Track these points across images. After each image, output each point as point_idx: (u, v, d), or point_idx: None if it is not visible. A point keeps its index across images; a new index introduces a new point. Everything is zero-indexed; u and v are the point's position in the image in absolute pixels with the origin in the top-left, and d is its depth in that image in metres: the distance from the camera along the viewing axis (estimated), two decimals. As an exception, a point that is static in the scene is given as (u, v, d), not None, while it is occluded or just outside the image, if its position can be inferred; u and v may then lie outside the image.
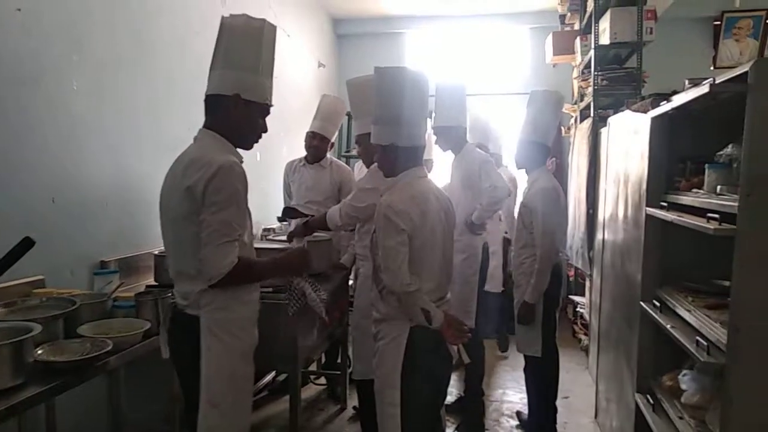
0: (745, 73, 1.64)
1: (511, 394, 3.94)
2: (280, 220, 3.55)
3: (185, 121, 3.37)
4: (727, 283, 1.89)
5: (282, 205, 4.04)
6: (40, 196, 2.37)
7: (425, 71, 2.20)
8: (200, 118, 3.25)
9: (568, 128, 5.63)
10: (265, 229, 4.23)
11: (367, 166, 3.03)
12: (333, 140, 3.78)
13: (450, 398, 3.69)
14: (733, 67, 1.84)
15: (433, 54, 6.51)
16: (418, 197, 2.07)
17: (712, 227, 1.76)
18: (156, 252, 2.85)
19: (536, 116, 3.07)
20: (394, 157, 2.13)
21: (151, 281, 2.82)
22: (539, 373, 3.11)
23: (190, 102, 3.42)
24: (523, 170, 3.22)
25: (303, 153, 3.80)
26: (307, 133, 3.71)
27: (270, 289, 2.71)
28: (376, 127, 2.17)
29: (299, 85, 5.41)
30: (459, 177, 3.31)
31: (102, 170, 2.75)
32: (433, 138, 3.43)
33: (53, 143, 2.45)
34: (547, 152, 3.16)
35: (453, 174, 3.41)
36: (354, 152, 6.29)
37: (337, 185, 3.73)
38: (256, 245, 2.11)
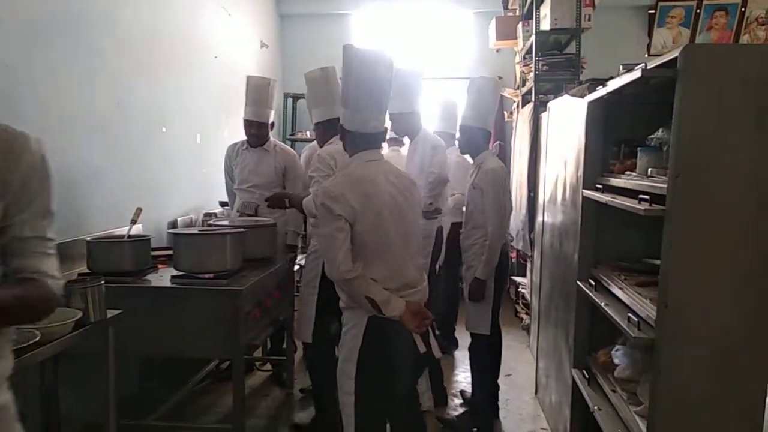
0: (675, 59, 1.70)
1: (457, 374, 4.01)
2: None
3: (112, 98, 3.25)
4: (657, 262, 1.97)
5: (223, 188, 3.95)
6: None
7: (388, 53, 2.09)
8: (127, 94, 3.15)
9: (511, 113, 5.73)
10: (206, 214, 4.14)
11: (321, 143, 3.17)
12: (271, 121, 3.68)
13: None
14: (664, 54, 1.91)
15: (378, 37, 6.47)
16: (363, 180, 2.01)
17: (642, 208, 1.82)
18: (88, 238, 2.73)
19: (476, 102, 3.11)
20: (348, 139, 2.11)
21: (84, 269, 2.70)
22: (485, 351, 3.18)
23: (116, 77, 3.28)
24: (467, 155, 3.28)
25: (244, 136, 3.71)
26: (244, 120, 3.62)
27: (211, 275, 2.66)
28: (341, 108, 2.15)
29: (241, 66, 5.27)
30: (414, 162, 3.37)
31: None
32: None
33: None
34: (489, 136, 3.21)
35: (408, 159, 3.47)
36: (299, 135, 6.23)
37: (282, 170, 3.67)
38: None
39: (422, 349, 2.01)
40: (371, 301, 1.93)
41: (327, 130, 2.98)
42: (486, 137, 3.18)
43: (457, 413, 3.38)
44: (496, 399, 3.29)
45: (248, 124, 3.62)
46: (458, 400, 3.59)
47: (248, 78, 3.67)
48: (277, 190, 3.55)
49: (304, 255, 3.24)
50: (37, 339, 1.68)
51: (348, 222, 1.95)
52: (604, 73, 2.64)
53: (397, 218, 2.05)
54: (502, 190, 3.04)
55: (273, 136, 3.81)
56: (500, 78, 5.23)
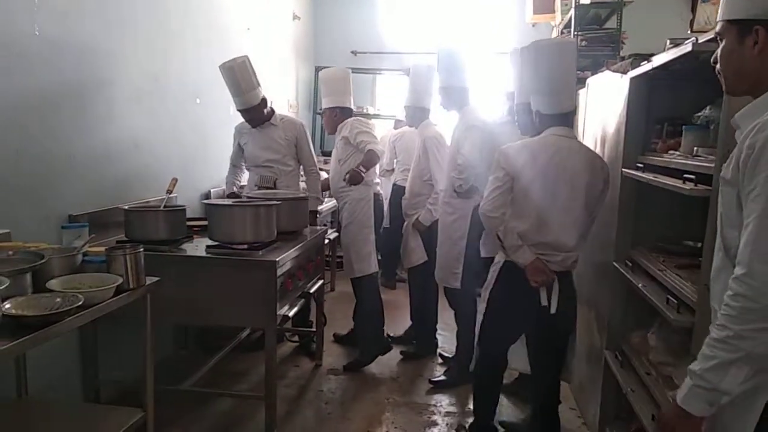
0: (730, 32, 1.62)
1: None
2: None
3: (150, 71, 3.27)
4: (699, 245, 1.92)
5: None
6: (2, 147, 2.27)
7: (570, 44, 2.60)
8: (163, 66, 3.12)
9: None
10: (239, 187, 4.14)
11: (331, 132, 3.89)
12: (261, 97, 3.57)
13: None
14: (709, 31, 1.83)
15: (410, 9, 6.37)
16: (536, 148, 2.39)
17: (688, 188, 1.77)
18: (126, 207, 2.78)
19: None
20: (542, 122, 2.47)
21: (122, 236, 2.76)
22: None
23: (153, 49, 3.30)
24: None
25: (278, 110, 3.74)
26: (241, 111, 3.57)
27: (245, 246, 2.69)
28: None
29: (273, 38, 5.25)
30: (453, 139, 3.40)
31: (67, 123, 2.64)
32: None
33: (14, 93, 2.33)
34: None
35: (452, 134, 3.46)
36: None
37: (293, 140, 3.70)
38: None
39: (544, 302, 2.37)
40: (500, 240, 2.40)
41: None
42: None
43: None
44: None
45: (247, 112, 3.58)
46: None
47: (221, 67, 3.48)
48: (292, 163, 3.70)
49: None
50: (81, 303, 1.72)
51: (509, 176, 2.37)
52: (644, 50, 2.54)
53: (554, 185, 2.35)
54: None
55: (303, 110, 3.86)
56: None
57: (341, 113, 3.78)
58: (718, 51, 1.37)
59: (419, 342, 3.96)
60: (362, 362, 3.64)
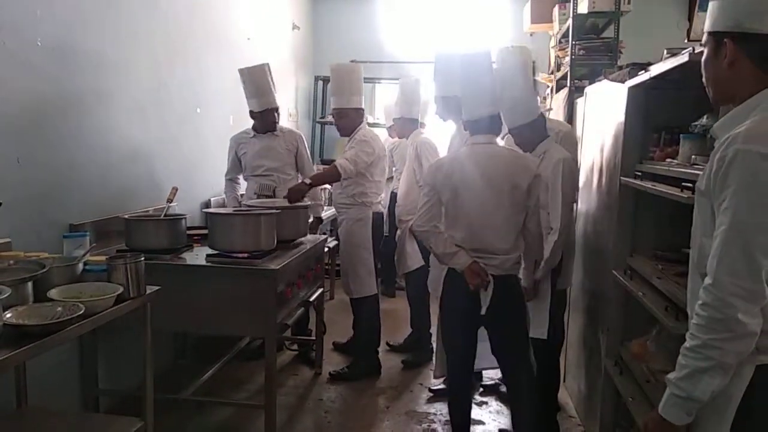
0: (725, 43, 1.64)
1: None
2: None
3: (151, 80, 3.29)
4: (696, 252, 1.92)
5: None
6: (3, 156, 2.29)
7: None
8: (165, 76, 3.11)
9: (544, 98, 5.64)
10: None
11: (346, 135, 3.65)
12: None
13: None
14: None
15: (409, 19, 6.41)
16: (456, 160, 2.51)
17: (686, 196, 1.79)
18: (126, 216, 2.79)
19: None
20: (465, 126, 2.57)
21: (122, 245, 2.76)
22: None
23: (155, 59, 3.32)
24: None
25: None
26: (257, 113, 3.64)
27: (246, 255, 2.70)
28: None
29: (273, 48, 5.28)
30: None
31: (68, 132, 2.65)
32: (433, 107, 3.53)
33: (16, 102, 2.35)
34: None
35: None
36: (329, 118, 6.22)
37: (294, 150, 3.79)
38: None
39: (484, 304, 2.42)
40: (433, 251, 2.51)
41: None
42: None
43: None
44: None
45: (261, 115, 3.64)
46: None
47: (242, 70, 3.63)
48: (292, 172, 3.75)
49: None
50: (82, 312, 1.73)
51: (434, 190, 2.46)
52: (642, 59, 2.56)
53: (479, 193, 2.41)
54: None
55: (302, 119, 3.88)
56: (533, 62, 5.14)
57: (357, 115, 3.64)
58: (701, 61, 1.40)
59: (418, 349, 3.96)
60: (349, 376, 3.60)
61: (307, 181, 3.44)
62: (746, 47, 1.27)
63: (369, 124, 5.27)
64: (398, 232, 4.00)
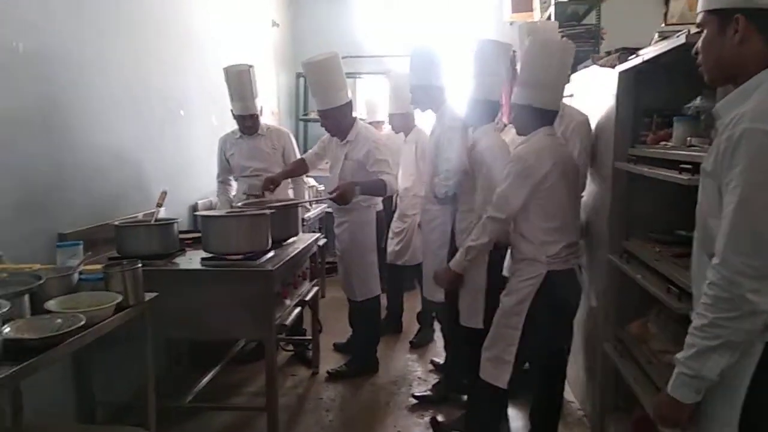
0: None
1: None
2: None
3: (134, 84, 3.23)
4: (691, 234, 1.94)
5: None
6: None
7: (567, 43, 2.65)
8: (146, 78, 3.04)
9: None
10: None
11: (340, 136, 3.42)
12: (261, 107, 3.74)
13: None
14: (684, 24, 1.86)
15: (390, 14, 6.37)
16: (548, 147, 2.40)
17: (685, 177, 1.80)
18: (117, 223, 2.73)
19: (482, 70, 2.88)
20: (527, 115, 2.44)
21: (113, 253, 2.70)
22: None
23: (135, 61, 3.25)
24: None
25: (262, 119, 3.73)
26: (236, 115, 3.62)
27: (240, 256, 2.66)
28: (517, 88, 2.47)
29: (253, 45, 5.22)
30: (432, 140, 3.15)
31: (53, 139, 2.58)
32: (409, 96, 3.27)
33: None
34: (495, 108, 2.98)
35: (429, 136, 3.29)
36: (312, 115, 6.18)
37: (281, 149, 3.77)
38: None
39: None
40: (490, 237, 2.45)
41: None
42: (488, 109, 2.91)
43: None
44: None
45: (241, 119, 3.62)
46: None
47: (226, 70, 3.55)
48: (278, 170, 3.64)
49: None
50: (82, 323, 1.68)
51: (532, 182, 2.36)
52: (622, 44, 2.57)
53: (568, 184, 2.46)
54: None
55: (285, 117, 3.84)
56: (514, 52, 5.14)
57: (345, 112, 3.37)
58: (699, 42, 1.40)
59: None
60: (347, 374, 3.58)
61: (357, 187, 3.17)
62: (760, 23, 1.27)
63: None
64: (403, 225, 4.08)
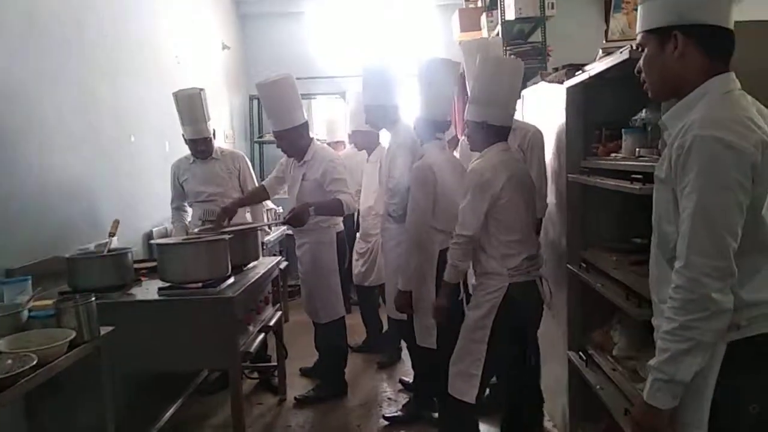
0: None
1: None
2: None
3: (82, 110, 3.14)
4: (647, 241, 2.00)
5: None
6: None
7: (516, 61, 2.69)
8: (94, 105, 2.98)
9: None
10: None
11: (297, 157, 3.38)
12: (213, 129, 3.70)
13: None
14: (625, 40, 1.94)
15: (340, 33, 6.42)
16: (502, 162, 2.43)
17: (637, 187, 1.86)
18: (68, 256, 2.63)
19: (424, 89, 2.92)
20: (482, 132, 2.47)
21: (64, 287, 2.59)
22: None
23: (83, 86, 3.17)
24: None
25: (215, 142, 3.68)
26: (189, 140, 3.57)
27: (199, 285, 2.59)
28: (470, 105, 2.51)
29: (204, 69, 5.16)
30: (388, 158, 3.15)
31: (-3, 170, 2.48)
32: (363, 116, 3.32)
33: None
34: (442, 126, 2.99)
35: (387, 153, 3.26)
36: (267, 137, 6.12)
37: (237, 172, 3.72)
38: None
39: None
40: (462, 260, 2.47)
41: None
42: (433, 127, 2.92)
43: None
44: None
45: (194, 143, 3.57)
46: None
47: (176, 94, 3.52)
48: (236, 195, 3.61)
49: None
50: (35, 362, 1.60)
51: (490, 197, 2.39)
52: (567, 60, 2.67)
53: (523, 196, 2.49)
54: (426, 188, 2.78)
55: (239, 140, 3.79)
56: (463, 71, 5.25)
57: (301, 133, 3.33)
58: (641, 61, 1.46)
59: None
60: (316, 399, 3.52)
61: (312, 208, 3.11)
62: (696, 37, 1.33)
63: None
64: (367, 245, 4.08)
